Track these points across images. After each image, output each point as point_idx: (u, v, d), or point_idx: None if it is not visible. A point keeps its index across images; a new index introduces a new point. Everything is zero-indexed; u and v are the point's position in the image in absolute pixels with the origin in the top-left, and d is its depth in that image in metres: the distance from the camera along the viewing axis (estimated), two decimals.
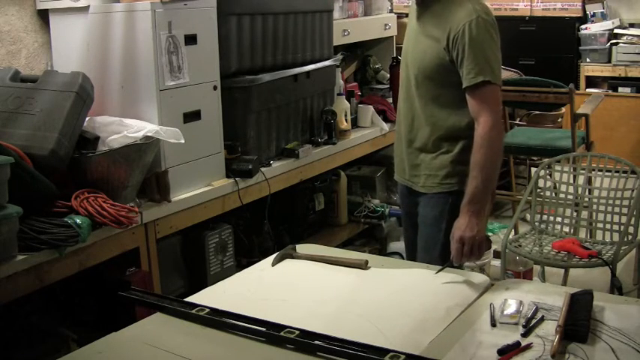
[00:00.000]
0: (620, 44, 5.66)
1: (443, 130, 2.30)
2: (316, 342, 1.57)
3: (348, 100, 3.69)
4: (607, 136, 5.28)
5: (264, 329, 1.64)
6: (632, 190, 3.12)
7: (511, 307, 1.72)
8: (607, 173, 3.28)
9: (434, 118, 2.31)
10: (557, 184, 3.43)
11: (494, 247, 3.72)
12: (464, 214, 2.12)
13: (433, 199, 2.35)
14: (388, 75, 4.17)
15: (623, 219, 3.13)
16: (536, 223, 3.33)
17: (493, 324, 1.67)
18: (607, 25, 5.71)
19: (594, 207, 3.35)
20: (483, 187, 2.13)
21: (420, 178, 2.38)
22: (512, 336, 1.59)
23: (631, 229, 3.07)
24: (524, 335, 1.60)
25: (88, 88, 2.42)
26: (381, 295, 1.89)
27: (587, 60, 5.77)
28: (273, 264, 2.11)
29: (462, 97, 2.21)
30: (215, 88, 2.80)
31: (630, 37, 5.66)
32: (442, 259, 2.24)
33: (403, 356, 1.47)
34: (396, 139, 2.54)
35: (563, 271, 3.49)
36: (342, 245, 3.57)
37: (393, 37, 4.34)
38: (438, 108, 2.29)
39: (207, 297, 1.91)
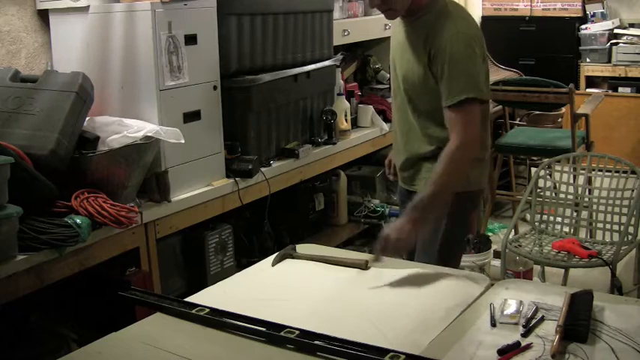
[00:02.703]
0: (620, 44, 5.66)
1: (441, 141, 2.26)
2: (316, 342, 1.57)
3: (348, 100, 3.69)
4: (607, 136, 5.28)
5: (264, 329, 1.64)
6: (632, 190, 3.12)
7: (511, 307, 1.72)
8: (607, 173, 3.28)
9: (430, 130, 2.28)
10: (557, 184, 3.43)
11: (494, 247, 3.73)
12: (403, 217, 2.08)
13: None
14: (388, 75, 4.17)
15: (623, 219, 3.13)
16: (536, 223, 3.33)
17: (493, 324, 1.66)
18: (607, 25, 5.71)
19: (594, 207, 3.36)
20: (431, 198, 2.08)
21: (420, 181, 2.37)
22: (512, 336, 1.59)
23: (631, 229, 3.07)
24: (524, 335, 1.60)
25: (88, 88, 2.42)
26: (381, 295, 1.89)
27: (587, 60, 5.77)
28: (273, 264, 2.11)
29: None
30: (215, 88, 2.80)
31: (630, 37, 5.66)
32: (440, 259, 2.24)
33: (403, 356, 1.47)
34: (393, 146, 2.51)
35: (563, 271, 3.49)
36: (342, 245, 3.57)
37: None
38: (433, 122, 2.26)
39: (207, 297, 1.91)
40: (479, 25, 2.33)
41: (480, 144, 2.27)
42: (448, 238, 2.29)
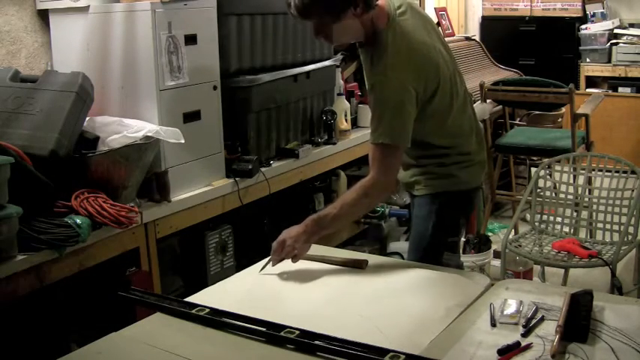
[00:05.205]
0: (620, 44, 5.66)
1: (423, 161, 2.28)
2: (316, 342, 1.57)
3: (348, 100, 3.69)
4: (607, 136, 5.28)
5: (264, 329, 1.64)
6: (632, 190, 3.12)
7: (511, 307, 1.72)
8: (607, 173, 3.28)
9: (409, 153, 2.26)
10: (557, 184, 3.43)
11: (494, 247, 3.73)
12: (303, 225, 2.09)
13: (423, 200, 2.32)
14: None
15: (623, 219, 3.12)
16: (536, 223, 3.33)
17: (493, 324, 1.66)
18: (607, 25, 5.72)
19: (594, 207, 3.36)
20: (333, 220, 2.10)
21: (412, 184, 2.38)
22: (512, 336, 1.59)
23: (631, 229, 3.07)
24: (524, 335, 1.60)
25: (88, 88, 2.42)
26: (381, 295, 1.89)
27: (587, 60, 5.78)
28: (273, 264, 2.11)
29: (424, 129, 2.16)
30: (215, 88, 2.80)
31: (630, 37, 5.66)
32: (429, 257, 2.25)
33: (403, 356, 1.47)
34: None
35: (563, 271, 3.49)
36: (342, 245, 3.57)
37: None
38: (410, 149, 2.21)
39: (207, 297, 1.91)
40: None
41: (467, 146, 2.28)
42: (436, 237, 2.30)
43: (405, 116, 2.08)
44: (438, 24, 5.11)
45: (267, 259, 2.09)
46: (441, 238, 2.32)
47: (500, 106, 4.36)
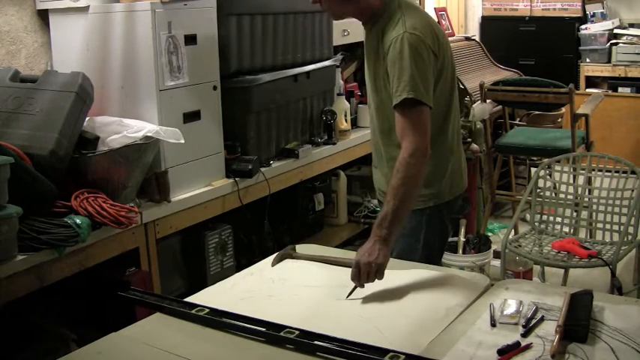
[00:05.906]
0: (620, 44, 5.66)
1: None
2: (316, 342, 1.57)
3: (348, 100, 3.69)
4: (607, 136, 5.28)
5: (264, 329, 1.64)
6: (632, 190, 3.12)
7: (511, 307, 1.72)
8: (607, 173, 3.28)
9: (395, 153, 2.15)
10: (557, 184, 3.43)
11: (494, 247, 3.73)
12: (370, 238, 1.98)
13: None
14: None
15: (623, 219, 3.12)
16: (536, 223, 3.33)
17: (493, 324, 1.66)
18: (607, 25, 5.72)
19: (594, 207, 3.35)
20: (393, 213, 1.98)
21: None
22: (512, 336, 1.59)
23: (631, 229, 3.07)
24: (524, 335, 1.60)
25: (88, 88, 2.42)
26: (380, 295, 1.89)
27: (587, 60, 5.78)
28: (273, 264, 2.11)
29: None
30: (215, 88, 2.80)
31: (630, 37, 5.66)
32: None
33: (403, 356, 1.47)
34: (375, 160, 2.44)
35: (563, 271, 3.49)
36: (342, 245, 3.57)
37: None
38: (395, 145, 2.17)
39: (207, 297, 1.91)
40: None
41: (448, 149, 2.27)
42: (427, 247, 2.30)
43: (425, 70, 2.05)
44: (438, 24, 5.10)
45: (352, 287, 1.91)
46: (431, 247, 2.32)
47: (500, 106, 4.35)
